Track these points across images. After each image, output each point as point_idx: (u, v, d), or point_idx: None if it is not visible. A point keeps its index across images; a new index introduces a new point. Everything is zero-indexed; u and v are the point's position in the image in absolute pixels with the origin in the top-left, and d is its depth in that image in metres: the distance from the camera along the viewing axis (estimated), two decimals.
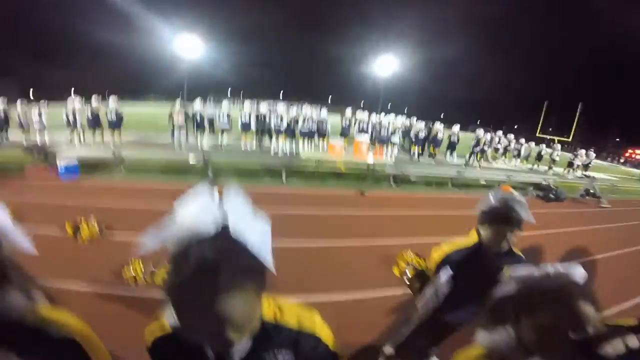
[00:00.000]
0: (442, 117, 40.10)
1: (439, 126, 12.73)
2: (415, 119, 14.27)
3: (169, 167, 7.75)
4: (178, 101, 10.73)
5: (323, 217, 5.64)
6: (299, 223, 5.29)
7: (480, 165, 12.98)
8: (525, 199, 1.52)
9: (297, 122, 10.42)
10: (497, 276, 1.72)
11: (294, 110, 11.07)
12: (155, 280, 3.34)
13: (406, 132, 12.83)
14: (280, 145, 10.52)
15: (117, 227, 4.53)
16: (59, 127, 10.36)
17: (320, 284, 3.56)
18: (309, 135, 10.63)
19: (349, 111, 12.21)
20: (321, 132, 10.91)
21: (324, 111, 11.26)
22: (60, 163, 6.90)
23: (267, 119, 10.70)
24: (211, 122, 11.15)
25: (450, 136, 12.85)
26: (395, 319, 3.21)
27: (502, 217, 1.51)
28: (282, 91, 49.26)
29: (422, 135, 12.30)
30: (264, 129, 10.90)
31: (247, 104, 11.05)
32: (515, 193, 1.55)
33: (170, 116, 10.32)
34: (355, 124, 12.03)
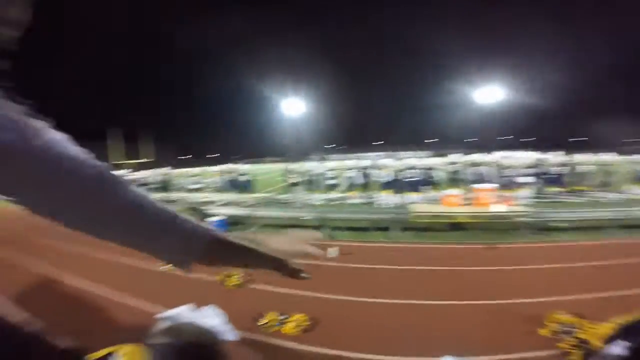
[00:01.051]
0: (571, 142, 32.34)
1: (581, 157, 10.47)
2: (550, 152, 12.06)
3: (289, 222, 8.66)
4: (291, 163, 12.26)
5: (444, 273, 5.13)
6: (417, 280, 4.96)
7: None
8: None
9: (401, 172, 10.25)
10: None
11: (397, 161, 11.07)
12: (283, 329, 3.66)
13: (538, 169, 10.91)
14: (387, 198, 10.48)
15: (257, 277, 5.14)
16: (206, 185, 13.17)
17: (450, 346, 3.16)
18: (417, 186, 10.23)
19: (455, 156, 11.39)
20: (431, 181, 10.38)
21: (431, 158, 10.86)
22: (212, 220, 8.57)
23: (371, 173, 10.96)
24: (322, 179, 12.18)
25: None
26: None
27: None
28: (381, 141, 50.28)
29: (559, 170, 10.28)
30: (369, 182, 11.16)
31: (352, 160, 11.71)
32: None
33: (285, 174, 11.78)
34: (468, 168, 11.00)
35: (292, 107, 39.57)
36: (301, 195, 11.43)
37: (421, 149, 42.15)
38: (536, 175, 10.80)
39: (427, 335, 3.43)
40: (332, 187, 11.61)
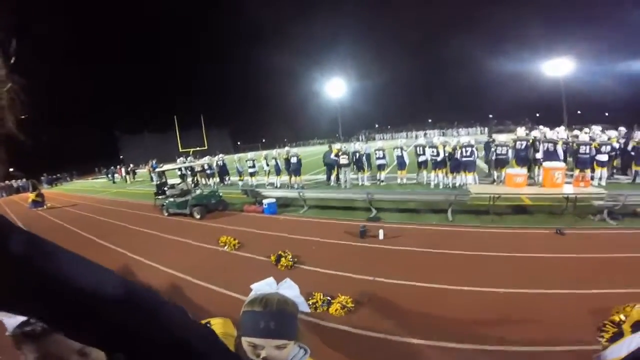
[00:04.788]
0: None
1: None
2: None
3: (339, 204, 8.77)
4: (337, 144, 12.20)
5: (505, 259, 4.82)
6: (472, 265, 4.74)
7: None
8: None
9: (456, 150, 9.59)
10: None
11: (451, 139, 10.29)
12: (330, 309, 3.80)
13: (621, 147, 9.48)
14: (440, 178, 10.00)
15: (305, 258, 5.43)
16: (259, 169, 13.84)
17: (508, 334, 3.07)
18: (469, 165, 9.50)
19: (520, 130, 10.26)
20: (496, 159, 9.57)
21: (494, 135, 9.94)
22: (264, 202, 9.06)
23: (422, 151, 10.49)
24: (368, 159, 11.96)
25: None
26: None
27: None
28: (429, 120, 47.86)
29: None
30: (421, 162, 10.70)
31: (401, 140, 11.26)
32: None
33: (325, 156, 11.93)
34: (539, 144, 9.65)
35: (336, 88, 39.09)
36: (350, 176, 11.39)
37: (475, 126, 39.44)
38: (620, 153, 9.41)
39: (474, 322, 3.33)
40: (380, 168, 11.38)
